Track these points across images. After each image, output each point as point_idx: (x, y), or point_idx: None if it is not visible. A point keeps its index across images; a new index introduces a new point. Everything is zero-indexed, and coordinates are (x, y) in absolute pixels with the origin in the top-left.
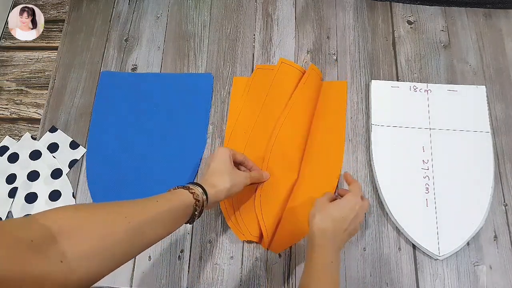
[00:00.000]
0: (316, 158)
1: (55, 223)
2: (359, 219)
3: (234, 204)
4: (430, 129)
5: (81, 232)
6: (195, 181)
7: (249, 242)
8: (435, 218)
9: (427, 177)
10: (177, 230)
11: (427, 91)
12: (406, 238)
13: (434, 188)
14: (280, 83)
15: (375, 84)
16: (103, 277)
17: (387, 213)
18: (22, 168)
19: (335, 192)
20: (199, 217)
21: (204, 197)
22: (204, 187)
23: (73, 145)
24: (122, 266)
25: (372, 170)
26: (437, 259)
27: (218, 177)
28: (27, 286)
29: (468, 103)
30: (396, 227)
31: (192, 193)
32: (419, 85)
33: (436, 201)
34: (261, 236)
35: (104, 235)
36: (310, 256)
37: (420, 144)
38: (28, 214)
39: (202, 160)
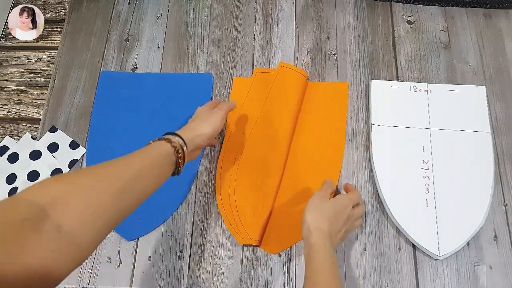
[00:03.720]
0: (316, 160)
1: (42, 198)
2: (351, 222)
3: (233, 208)
4: (430, 129)
5: (69, 202)
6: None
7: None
8: (435, 218)
9: (427, 177)
10: (177, 230)
11: (427, 91)
12: (406, 238)
13: (434, 188)
14: (281, 86)
15: (375, 84)
16: (103, 239)
17: (387, 213)
18: (22, 168)
19: (334, 195)
20: (183, 166)
21: (182, 142)
22: (180, 134)
23: (73, 145)
24: (122, 266)
25: (372, 170)
26: (437, 259)
27: (197, 124)
28: (33, 268)
29: (468, 103)
30: (396, 227)
31: (168, 142)
32: (419, 85)
33: (436, 201)
34: (260, 240)
35: (91, 201)
36: (310, 256)
37: (420, 144)
38: None
39: (201, 160)
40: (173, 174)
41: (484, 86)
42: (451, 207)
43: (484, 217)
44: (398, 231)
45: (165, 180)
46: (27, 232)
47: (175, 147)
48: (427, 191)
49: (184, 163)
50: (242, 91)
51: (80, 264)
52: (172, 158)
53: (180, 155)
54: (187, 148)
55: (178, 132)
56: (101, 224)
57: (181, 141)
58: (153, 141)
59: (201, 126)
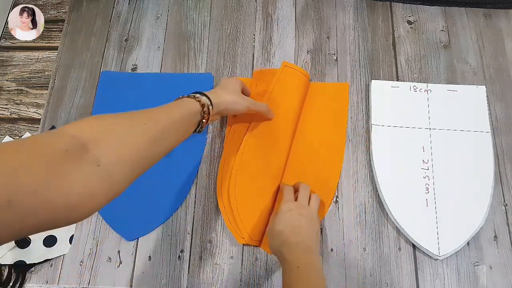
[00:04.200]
0: (316, 160)
1: (83, 133)
2: (297, 218)
3: (233, 208)
4: (430, 129)
5: (108, 140)
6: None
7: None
8: (435, 218)
9: (427, 177)
10: (177, 230)
11: (427, 91)
12: (406, 238)
13: (434, 188)
14: (283, 86)
15: (375, 84)
16: (133, 180)
17: (387, 213)
18: None
19: (334, 196)
20: (206, 124)
21: (209, 103)
22: (209, 96)
23: None
24: (122, 266)
25: (372, 170)
26: (437, 259)
27: (224, 92)
28: (73, 194)
29: (468, 103)
30: (396, 227)
31: (198, 101)
32: (419, 85)
33: (436, 201)
34: (260, 240)
35: (129, 142)
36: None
37: (420, 144)
38: None
39: (201, 160)
40: (195, 131)
41: (484, 86)
42: (451, 207)
43: (484, 217)
44: (398, 231)
45: (187, 137)
46: (69, 162)
47: (203, 107)
48: (427, 191)
49: (207, 123)
50: None
51: (115, 198)
52: (197, 117)
53: (205, 115)
54: (213, 109)
55: (206, 93)
56: (134, 166)
57: (208, 102)
58: (182, 96)
59: (227, 96)
